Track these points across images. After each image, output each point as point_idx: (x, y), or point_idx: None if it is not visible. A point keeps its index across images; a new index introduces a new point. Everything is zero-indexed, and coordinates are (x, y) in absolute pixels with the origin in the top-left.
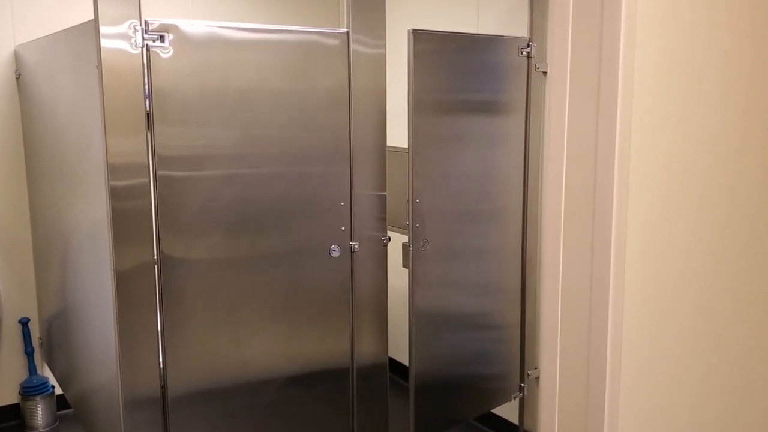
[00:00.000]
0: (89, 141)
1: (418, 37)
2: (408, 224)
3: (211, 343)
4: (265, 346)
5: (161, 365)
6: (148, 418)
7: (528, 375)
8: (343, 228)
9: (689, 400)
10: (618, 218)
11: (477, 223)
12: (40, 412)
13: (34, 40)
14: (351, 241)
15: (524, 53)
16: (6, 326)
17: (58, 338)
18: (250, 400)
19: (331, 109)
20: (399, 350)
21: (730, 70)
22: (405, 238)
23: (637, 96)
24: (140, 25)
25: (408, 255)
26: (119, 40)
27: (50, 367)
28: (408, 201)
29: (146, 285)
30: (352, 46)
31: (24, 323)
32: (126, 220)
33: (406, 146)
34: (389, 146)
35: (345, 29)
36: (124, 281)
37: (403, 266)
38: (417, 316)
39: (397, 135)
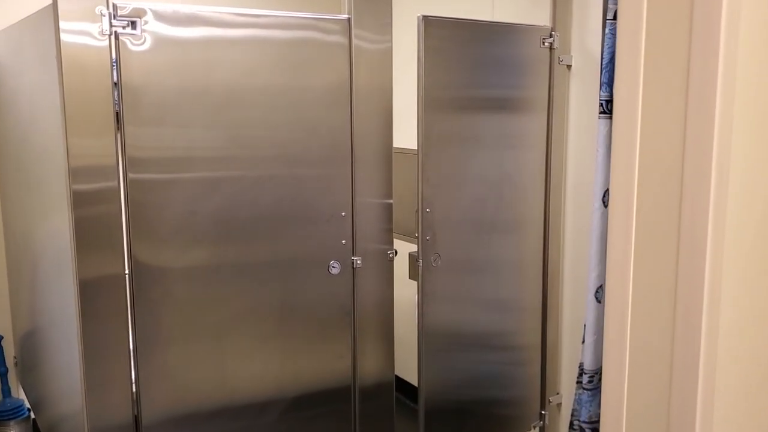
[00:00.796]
0: (53, 141)
1: (429, 24)
2: (417, 237)
3: (191, 364)
4: (255, 366)
5: (134, 388)
6: None
7: (549, 402)
8: (343, 241)
9: None
10: (713, 248)
11: (494, 233)
12: None
13: (2, 29)
14: (353, 255)
15: (546, 44)
16: None
17: (31, 358)
18: (238, 426)
19: (330, 106)
20: (409, 369)
21: None
22: (413, 247)
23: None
24: (107, 8)
25: (417, 270)
26: (83, 24)
27: (24, 390)
28: (417, 210)
29: (116, 299)
30: (355, 34)
31: None
32: (91, 226)
33: (415, 148)
34: (396, 148)
35: (346, 15)
36: (88, 294)
37: (410, 278)
38: (427, 335)
39: (406, 135)
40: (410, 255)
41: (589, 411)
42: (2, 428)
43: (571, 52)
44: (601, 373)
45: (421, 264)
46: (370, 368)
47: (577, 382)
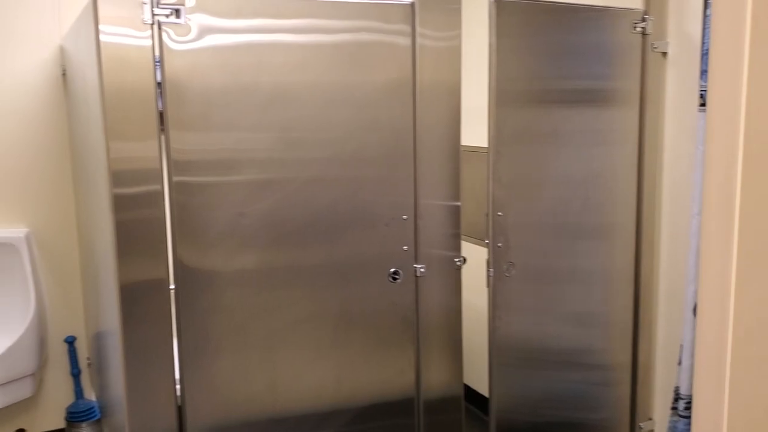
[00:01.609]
0: (98, 143)
1: (502, 8)
2: (488, 243)
3: (241, 374)
4: (309, 377)
5: (178, 398)
6: None
7: (639, 428)
8: (405, 247)
9: None
10: None
11: (578, 240)
12: None
13: (71, 29)
14: (415, 263)
15: (638, 29)
16: (52, 345)
17: (98, 361)
18: None
19: (390, 102)
20: (480, 379)
21: None
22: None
23: None
24: None
25: (488, 280)
26: (123, 12)
27: (95, 391)
28: (487, 214)
29: (159, 304)
30: (419, 21)
31: (70, 342)
32: (133, 230)
33: (486, 146)
34: (464, 146)
35: (409, 0)
36: (130, 299)
37: (487, 286)
38: (500, 349)
39: (476, 132)
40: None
41: None
42: (75, 429)
43: (667, 38)
44: None
45: (492, 273)
46: (435, 382)
47: (672, 408)
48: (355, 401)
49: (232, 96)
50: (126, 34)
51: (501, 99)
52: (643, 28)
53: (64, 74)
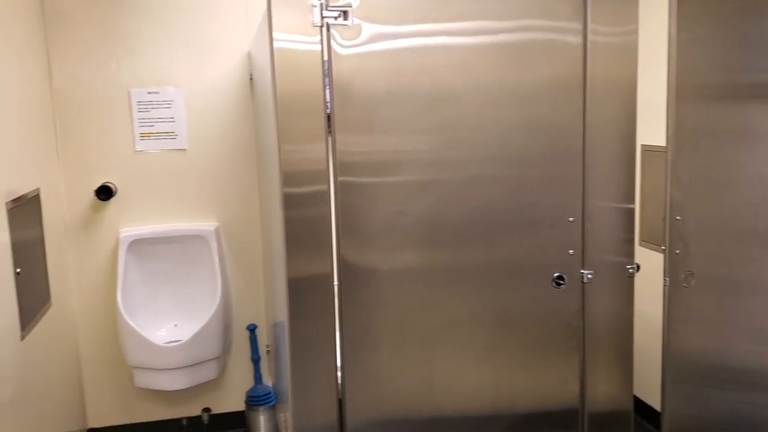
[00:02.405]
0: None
1: None
2: (664, 250)
3: (399, 371)
4: (467, 379)
5: (339, 390)
6: None
7: None
8: (571, 251)
9: None
10: None
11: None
12: (262, 423)
13: (256, 35)
14: (582, 268)
15: None
16: (235, 332)
17: (274, 349)
18: None
19: (557, 99)
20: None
21: None
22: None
23: None
24: None
25: (664, 290)
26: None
27: (271, 378)
28: (665, 218)
29: (323, 299)
30: (590, 16)
31: (251, 330)
32: (301, 227)
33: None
34: (644, 145)
35: None
36: (297, 291)
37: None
38: (675, 365)
39: (653, 129)
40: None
41: None
42: (253, 412)
43: None
44: None
45: (668, 282)
46: (602, 394)
47: None
48: (514, 408)
49: (394, 98)
50: (297, 39)
51: (681, 94)
52: None
53: (251, 79)
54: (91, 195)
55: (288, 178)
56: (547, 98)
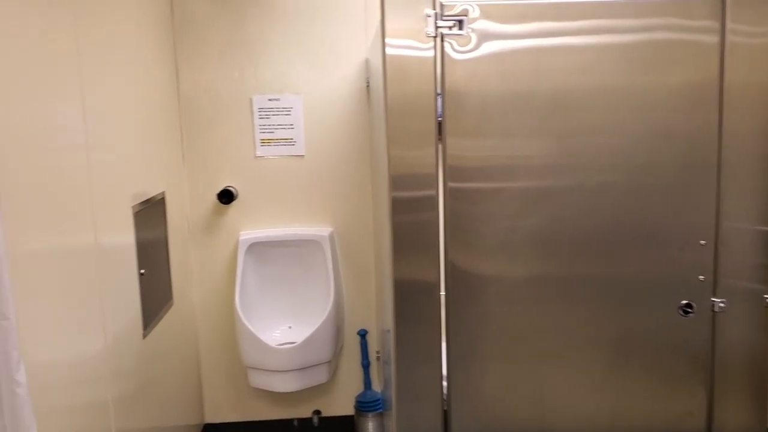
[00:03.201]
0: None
1: None
2: None
3: (507, 387)
4: (580, 403)
5: (444, 401)
6: None
7: None
8: (701, 277)
9: None
10: None
11: None
12: (371, 429)
13: (372, 42)
14: (713, 296)
15: None
16: (347, 337)
17: (384, 355)
18: None
19: (688, 107)
20: None
21: None
22: None
23: None
24: (433, 8)
25: None
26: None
27: (381, 384)
28: None
29: (429, 306)
30: (730, 16)
31: (362, 335)
32: (408, 232)
33: None
34: None
35: None
36: (403, 297)
37: None
38: None
39: None
40: None
41: None
42: (362, 418)
43: None
44: None
45: None
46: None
47: None
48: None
49: (508, 102)
50: (410, 46)
51: None
52: None
53: (367, 85)
54: (214, 198)
55: (396, 182)
56: (678, 104)
